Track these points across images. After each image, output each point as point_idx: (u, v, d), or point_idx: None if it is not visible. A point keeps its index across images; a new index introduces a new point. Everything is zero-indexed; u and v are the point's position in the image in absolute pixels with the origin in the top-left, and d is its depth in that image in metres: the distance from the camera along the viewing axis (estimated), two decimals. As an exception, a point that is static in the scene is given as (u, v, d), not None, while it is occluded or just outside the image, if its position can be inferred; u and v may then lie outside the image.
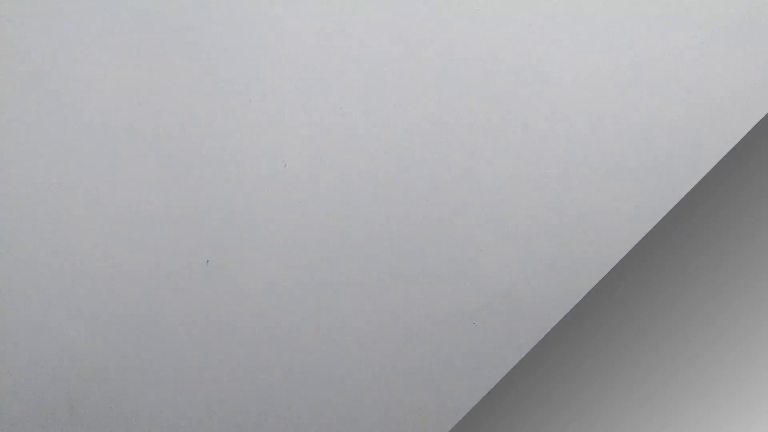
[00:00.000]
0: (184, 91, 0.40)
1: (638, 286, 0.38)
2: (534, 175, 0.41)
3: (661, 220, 0.39)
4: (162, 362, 0.35)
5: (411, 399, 0.31)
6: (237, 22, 0.38)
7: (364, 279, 0.37)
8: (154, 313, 0.37)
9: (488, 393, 0.32)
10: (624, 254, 0.40)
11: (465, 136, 0.41)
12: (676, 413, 0.32)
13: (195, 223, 0.40)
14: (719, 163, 0.40)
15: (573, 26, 0.40)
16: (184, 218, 0.41)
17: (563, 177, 0.41)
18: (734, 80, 0.41)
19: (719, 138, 0.41)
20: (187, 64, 0.38)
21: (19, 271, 0.38)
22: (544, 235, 0.40)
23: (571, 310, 0.38)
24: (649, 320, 0.36)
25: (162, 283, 0.38)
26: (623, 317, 0.37)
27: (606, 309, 0.37)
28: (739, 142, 0.40)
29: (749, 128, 0.41)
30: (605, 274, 0.38)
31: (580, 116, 0.41)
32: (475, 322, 0.36)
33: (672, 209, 0.40)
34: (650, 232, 0.39)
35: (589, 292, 0.38)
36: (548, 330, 0.34)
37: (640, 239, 0.38)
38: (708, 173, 0.40)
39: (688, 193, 0.40)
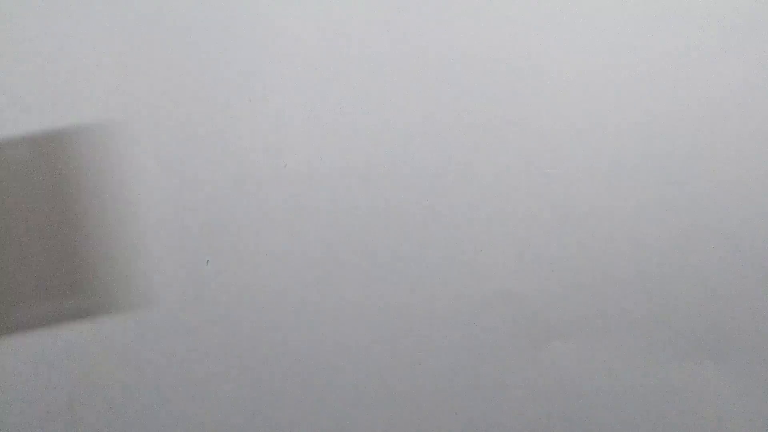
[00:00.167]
0: (184, 90, 0.40)
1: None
2: (535, 174, 0.41)
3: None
4: (162, 362, 0.35)
5: (411, 398, 0.31)
6: (237, 21, 0.38)
7: (364, 279, 0.37)
8: (155, 313, 0.36)
9: None
10: (624, 254, 0.40)
11: (465, 136, 0.41)
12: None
13: (195, 223, 0.40)
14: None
15: (573, 25, 0.40)
16: (184, 218, 0.41)
17: (564, 177, 0.41)
18: (735, 81, 0.41)
19: (718, 138, 0.41)
20: (187, 63, 0.38)
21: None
22: (545, 234, 0.39)
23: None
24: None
25: (162, 283, 0.38)
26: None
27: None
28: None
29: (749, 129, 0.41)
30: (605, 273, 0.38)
31: (581, 116, 0.41)
32: (475, 322, 0.36)
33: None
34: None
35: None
36: (548, 330, 0.34)
37: (640, 239, 0.38)
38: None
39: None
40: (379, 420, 0.30)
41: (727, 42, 0.40)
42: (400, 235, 0.39)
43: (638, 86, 0.42)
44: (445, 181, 0.41)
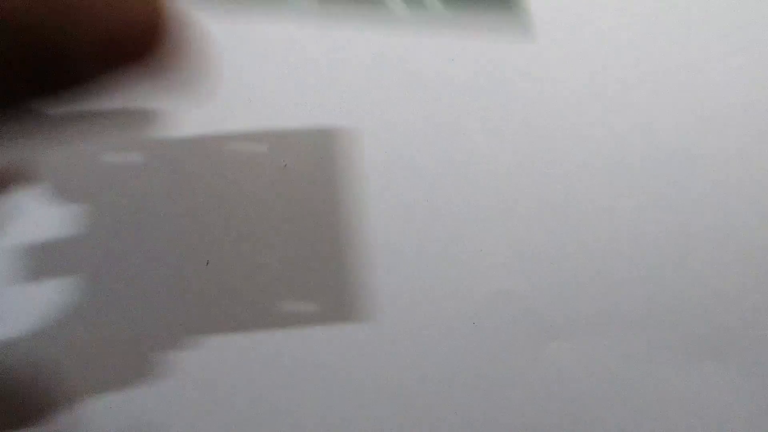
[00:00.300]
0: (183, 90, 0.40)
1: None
2: (535, 174, 0.41)
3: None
4: (162, 363, 0.35)
5: (411, 399, 0.31)
6: (236, 20, 0.38)
7: (364, 278, 0.37)
8: (155, 313, 0.36)
9: None
10: (623, 254, 0.40)
11: (465, 135, 0.41)
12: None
13: (195, 223, 0.40)
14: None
15: (574, 24, 0.40)
16: (185, 218, 0.41)
17: (564, 176, 0.41)
18: (735, 84, 0.41)
19: (717, 138, 0.41)
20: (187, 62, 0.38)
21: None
22: (545, 234, 0.39)
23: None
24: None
25: (162, 283, 0.38)
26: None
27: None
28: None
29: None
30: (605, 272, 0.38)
31: (581, 115, 0.41)
32: (475, 322, 0.36)
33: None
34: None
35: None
36: (549, 330, 0.34)
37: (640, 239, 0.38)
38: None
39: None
40: (379, 421, 0.30)
41: (729, 43, 0.40)
42: (400, 234, 0.39)
43: (638, 86, 0.42)
44: (445, 181, 0.41)
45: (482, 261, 0.39)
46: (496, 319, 0.38)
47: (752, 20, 0.40)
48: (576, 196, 0.39)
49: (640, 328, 0.35)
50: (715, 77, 0.42)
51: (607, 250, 0.38)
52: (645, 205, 0.39)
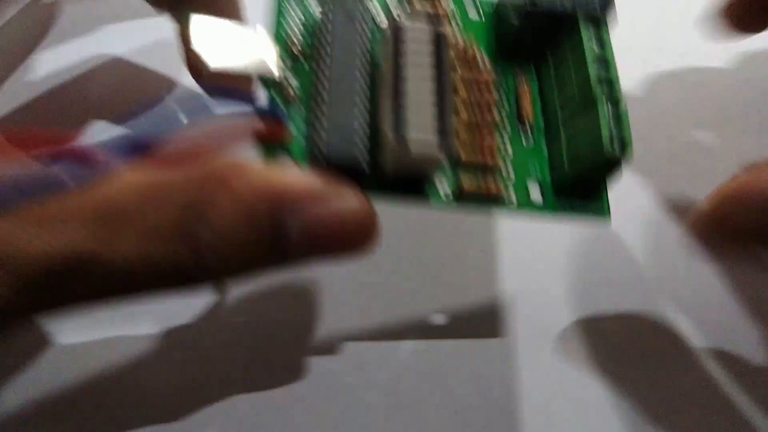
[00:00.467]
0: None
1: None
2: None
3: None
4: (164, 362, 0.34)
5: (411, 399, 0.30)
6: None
7: (364, 277, 0.36)
8: (155, 314, 0.35)
9: None
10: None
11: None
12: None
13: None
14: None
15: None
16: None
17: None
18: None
19: (718, 137, 0.40)
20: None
21: None
22: (545, 234, 0.38)
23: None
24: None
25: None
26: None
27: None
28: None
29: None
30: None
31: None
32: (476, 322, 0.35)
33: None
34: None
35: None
36: (549, 329, 0.33)
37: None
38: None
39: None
40: (380, 421, 0.29)
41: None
42: (400, 234, 0.38)
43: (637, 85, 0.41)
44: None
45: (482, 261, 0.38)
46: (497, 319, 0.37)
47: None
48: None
49: (639, 328, 0.33)
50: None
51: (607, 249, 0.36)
52: (646, 205, 0.37)
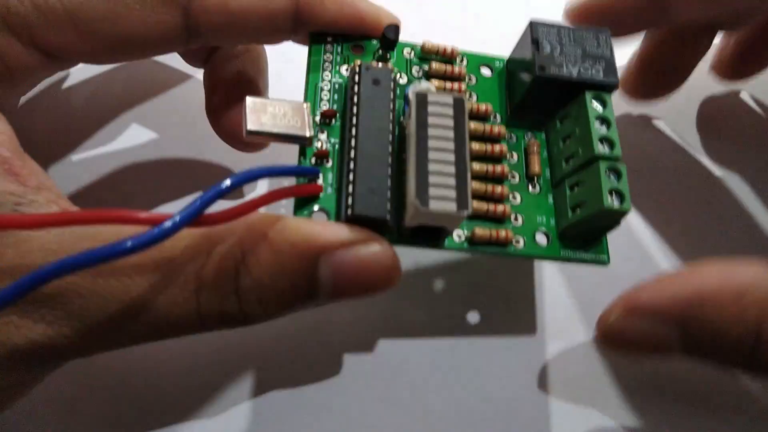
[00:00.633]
0: (183, 89, 0.40)
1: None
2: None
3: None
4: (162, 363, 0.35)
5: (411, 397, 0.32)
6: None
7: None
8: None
9: None
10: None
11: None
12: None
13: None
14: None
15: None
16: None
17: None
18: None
19: (717, 136, 0.41)
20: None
21: None
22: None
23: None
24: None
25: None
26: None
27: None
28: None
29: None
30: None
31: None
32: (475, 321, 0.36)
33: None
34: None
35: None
36: (548, 330, 0.34)
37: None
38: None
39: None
40: (379, 421, 0.31)
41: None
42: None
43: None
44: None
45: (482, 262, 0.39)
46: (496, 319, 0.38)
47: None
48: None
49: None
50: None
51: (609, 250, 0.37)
52: (645, 204, 0.38)
